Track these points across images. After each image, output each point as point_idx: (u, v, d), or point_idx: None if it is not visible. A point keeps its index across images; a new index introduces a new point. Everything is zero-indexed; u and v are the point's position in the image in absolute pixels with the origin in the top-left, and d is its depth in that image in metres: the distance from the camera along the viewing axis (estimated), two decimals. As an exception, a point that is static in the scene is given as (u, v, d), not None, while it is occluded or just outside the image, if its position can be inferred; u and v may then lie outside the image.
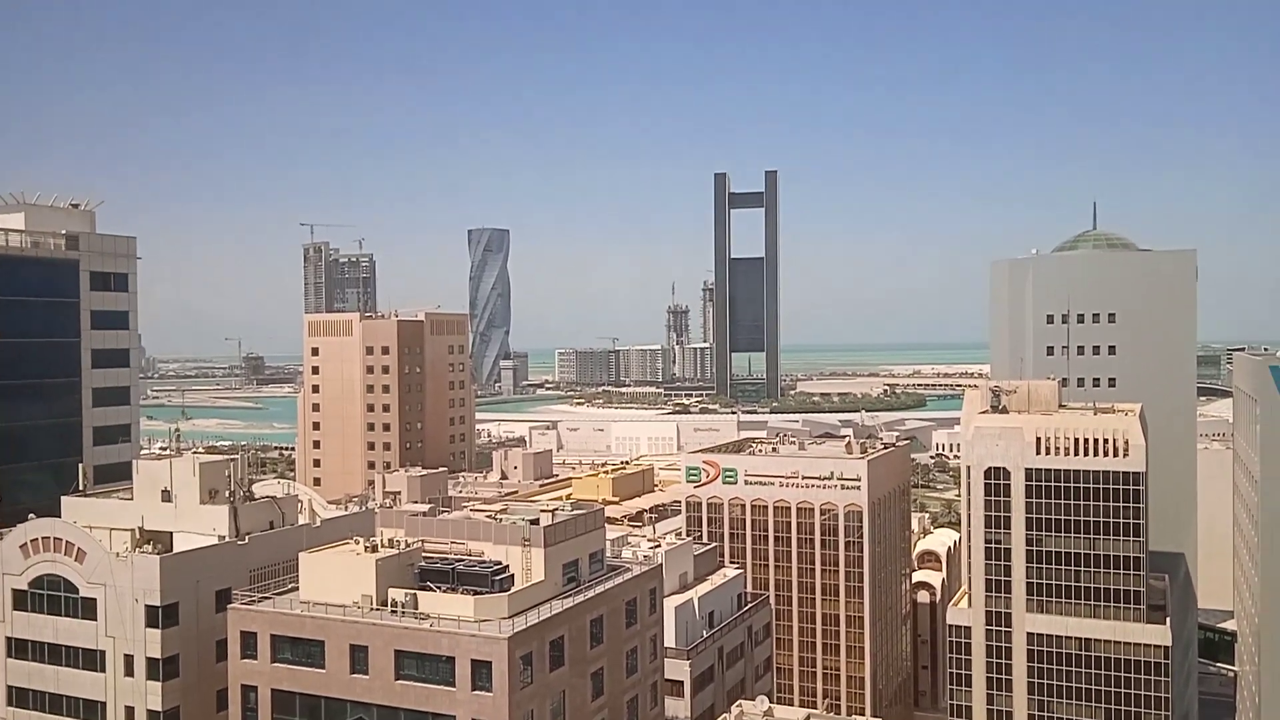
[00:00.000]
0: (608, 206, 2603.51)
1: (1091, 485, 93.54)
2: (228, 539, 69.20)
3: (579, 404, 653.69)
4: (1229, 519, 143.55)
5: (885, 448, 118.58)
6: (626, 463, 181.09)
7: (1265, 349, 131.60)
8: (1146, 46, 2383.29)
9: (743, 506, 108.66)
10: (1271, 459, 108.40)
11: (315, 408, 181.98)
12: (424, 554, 61.70)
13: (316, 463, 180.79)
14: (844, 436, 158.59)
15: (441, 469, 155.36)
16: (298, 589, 60.42)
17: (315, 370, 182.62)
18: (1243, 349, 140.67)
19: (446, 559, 60.87)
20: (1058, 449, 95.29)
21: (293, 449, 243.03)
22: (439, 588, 58.04)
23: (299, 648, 57.06)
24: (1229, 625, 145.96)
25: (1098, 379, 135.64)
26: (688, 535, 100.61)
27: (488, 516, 66.81)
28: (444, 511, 71.86)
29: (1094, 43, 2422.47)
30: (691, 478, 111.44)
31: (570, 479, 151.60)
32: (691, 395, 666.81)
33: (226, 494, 71.51)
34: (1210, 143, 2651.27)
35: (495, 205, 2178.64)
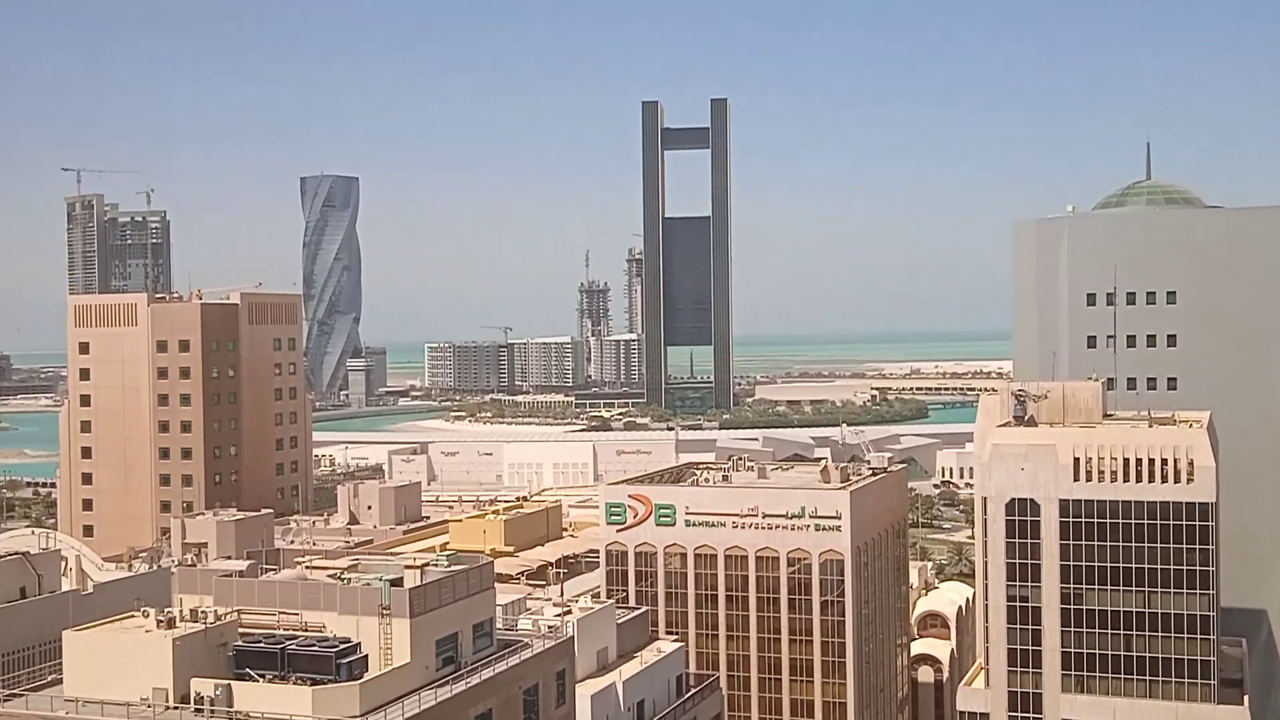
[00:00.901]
0: (496, 148, 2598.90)
1: (1146, 522, 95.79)
2: (-40, 613, 67.37)
3: (458, 418, 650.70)
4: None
5: (874, 474, 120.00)
6: (524, 498, 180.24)
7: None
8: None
9: (683, 557, 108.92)
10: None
11: (85, 427, 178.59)
12: (241, 630, 61.20)
13: (87, 504, 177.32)
14: (819, 459, 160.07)
15: (265, 511, 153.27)
16: (61, 681, 59.31)
17: (85, 374, 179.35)
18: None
19: (273, 636, 60.41)
20: (1102, 474, 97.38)
21: (53, 485, 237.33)
22: (263, 676, 57.54)
23: (64, 764, 55.78)
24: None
25: (1153, 379, 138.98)
26: (609, 597, 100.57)
27: (331, 576, 66.40)
28: (269, 570, 71.19)
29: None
30: (614, 518, 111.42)
31: (446, 522, 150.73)
32: (613, 405, 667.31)
33: (-43, 550, 69.55)
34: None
35: (340, 144, 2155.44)
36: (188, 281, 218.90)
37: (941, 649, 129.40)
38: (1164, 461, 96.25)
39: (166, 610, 61.68)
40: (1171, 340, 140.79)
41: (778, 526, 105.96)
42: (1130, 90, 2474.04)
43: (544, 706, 66.44)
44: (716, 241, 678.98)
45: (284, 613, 62.23)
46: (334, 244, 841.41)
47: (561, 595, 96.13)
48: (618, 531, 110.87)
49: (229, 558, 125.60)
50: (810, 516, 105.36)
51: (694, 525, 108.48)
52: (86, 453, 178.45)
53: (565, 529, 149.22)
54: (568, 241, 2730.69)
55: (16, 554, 72.59)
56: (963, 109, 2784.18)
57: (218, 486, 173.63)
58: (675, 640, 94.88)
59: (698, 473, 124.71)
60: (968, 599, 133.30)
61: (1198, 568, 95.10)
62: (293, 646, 58.80)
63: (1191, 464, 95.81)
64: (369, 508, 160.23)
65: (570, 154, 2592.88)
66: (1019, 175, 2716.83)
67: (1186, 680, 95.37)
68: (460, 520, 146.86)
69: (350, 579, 64.77)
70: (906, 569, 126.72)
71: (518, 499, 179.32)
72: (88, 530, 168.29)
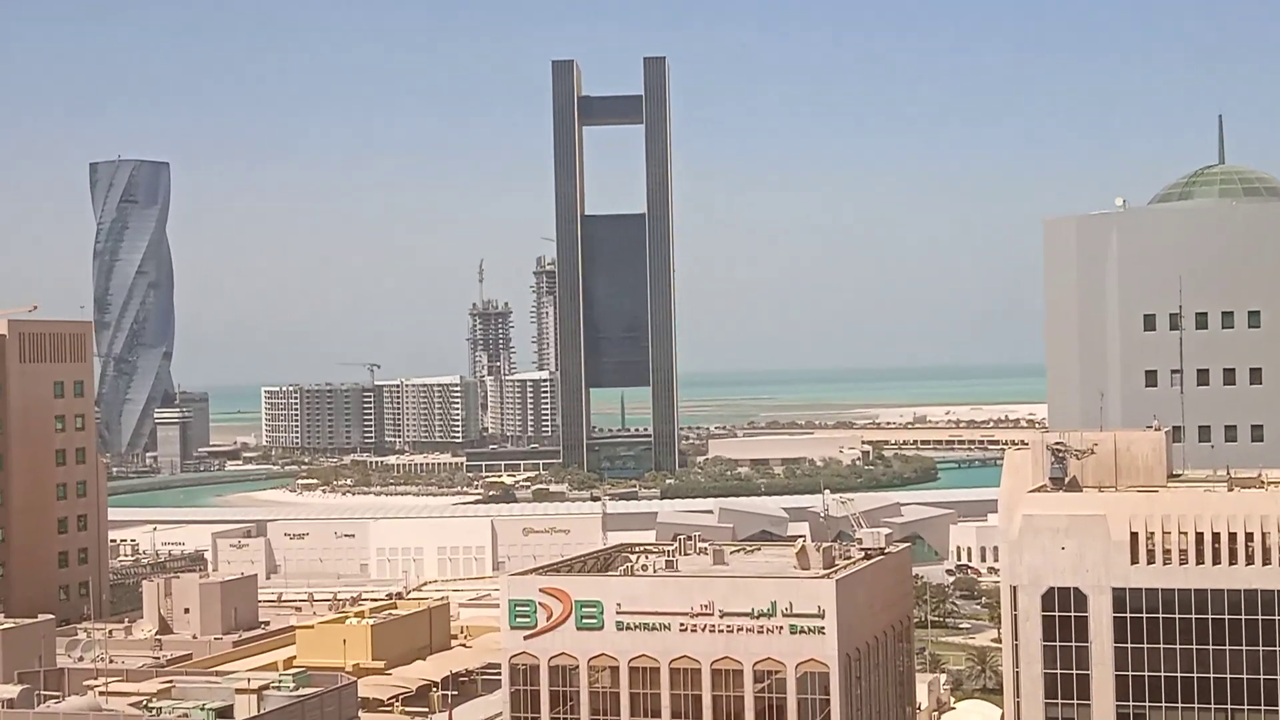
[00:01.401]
0: (358, 126, 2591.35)
1: (1228, 617, 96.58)
2: None
3: (307, 488, 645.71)
4: None
5: (868, 556, 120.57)
6: (399, 595, 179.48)
7: None
8: None
9: (614, 671, 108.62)
10: None
11: None
12: (13, 779, 60.47)
13: None
14: (795, 538, 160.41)
15: (44, 617, 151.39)
16: None
17: None
18: None
19: (57, 788, 59.75)
20: (1168, 553, 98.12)
21: None
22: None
23: None
24: None
25: (1232, 427, 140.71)
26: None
27: (135, 705, 65.77)
28: (50, 697, 70.25)
29: None
30: (520, 620, 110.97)
31: (293, 629, 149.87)
32: (518, 467, 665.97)
33: None
34: None
35: (145, 120, 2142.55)
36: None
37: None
38: (1249, 536, 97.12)
39: (-90, 755, 61.05)
40: (1256, 375, 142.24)
41: (741, 629, 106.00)
42: (1196, 49, 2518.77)
43: None
44: (654, 248, 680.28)
45: (71, 756, 61.63)
46: (136, 253, 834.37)
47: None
48: (526, 638, 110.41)
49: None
50: (784, 615, 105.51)
51: (629, 629, 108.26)
52: None
53: (455, 636, 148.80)
54: (456, 249, 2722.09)
55: None
56: (983, 75, 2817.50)
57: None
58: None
59: (633, 558, 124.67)
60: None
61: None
62: (84, 802, 58.30)
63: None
64: (186, 611, 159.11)
65: (458, 132, 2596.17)
66: (1055, 158, 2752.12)
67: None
68: (311, 626, 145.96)
69: (161, 708, 64.25)
70: (913, 684, 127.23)
71: (389, 596, 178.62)
72: None
